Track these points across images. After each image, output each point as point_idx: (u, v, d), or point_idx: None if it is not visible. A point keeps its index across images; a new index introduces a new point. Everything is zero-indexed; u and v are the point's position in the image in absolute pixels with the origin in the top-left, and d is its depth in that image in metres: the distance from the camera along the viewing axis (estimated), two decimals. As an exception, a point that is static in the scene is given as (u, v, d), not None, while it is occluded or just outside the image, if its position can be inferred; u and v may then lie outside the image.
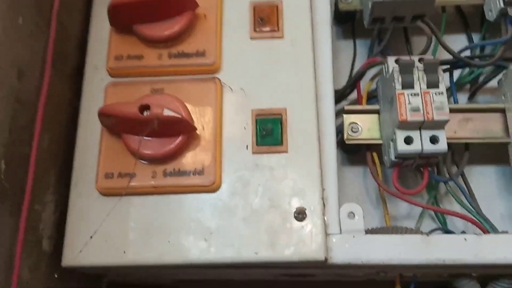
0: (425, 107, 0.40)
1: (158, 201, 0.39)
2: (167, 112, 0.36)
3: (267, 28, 0.43)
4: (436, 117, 0.39)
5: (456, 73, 0.50)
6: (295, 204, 0.39)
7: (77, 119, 0.42)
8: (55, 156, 0.41)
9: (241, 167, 0.39)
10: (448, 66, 0.48)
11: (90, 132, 0.41)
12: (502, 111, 0.46)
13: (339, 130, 0.47)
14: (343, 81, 0.52)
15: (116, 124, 0.38)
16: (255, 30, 0.43)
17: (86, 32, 0.45)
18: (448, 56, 0.47)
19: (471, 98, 0.51)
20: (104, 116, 0.38)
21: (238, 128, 0.41)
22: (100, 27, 0.44)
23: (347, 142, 0.46)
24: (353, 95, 0.51)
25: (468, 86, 0.52)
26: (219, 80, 0.42)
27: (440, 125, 0.40)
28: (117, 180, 0.39)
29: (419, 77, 0.41)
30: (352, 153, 0.51)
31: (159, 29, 0.41)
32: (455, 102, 0.49)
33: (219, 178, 0.39)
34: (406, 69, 0.41)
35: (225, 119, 0.41)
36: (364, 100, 0.48)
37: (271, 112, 0.41)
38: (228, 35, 0.43)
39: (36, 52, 0.38)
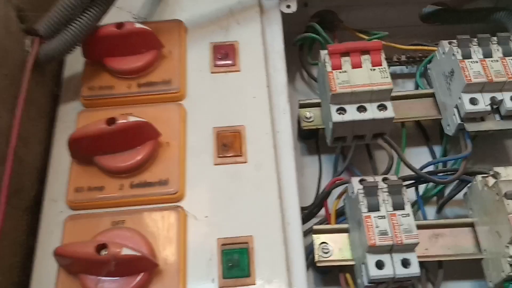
0: (393, 230, 0.39)
1: None
2: (125, 251, 0.34)
3: (231, 154, 0.43)
4: (405, 241, 0.39)
5: (422, 186, 0.51)
6: None
7: (32, 258, 0.39)
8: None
9: (207, 304, 0.37)
10: (413, 181, 0.48)
11: (45, 273, 0.38)
12: (471, 225, 0.46)
13: (310, 250, 0.46)
14: (310, 197, 0.52)
15: (72, 264, 0.36)
16: (218, 156, 0.43)
17: (47, 164, 0.44)
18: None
19: (439, 211, 0.51)
20: (60, 256, 0.36)
21: (204, 260, 0.39)
22: (60, 158, 0.43)
23: (318, 264, 0.44)
24: (322, 211, 0.50)
25: (435, 198, 0.52)
26: (182, 208, 0.41)
27: (410, 248, 0.40)
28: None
29: (384, 199, 0.41)
30: (324, 273, 0.49)
31: (121, 159, 0.41)
32: (423, 217, 0.48)
33: (183, 319, 0.36)
34: (370, 192, 0.41)
35: (189, 251, 0.39)
36: (333, 219, 0.47)
37: (237, 241, 0.39)
38: (191, 162, 0.43)
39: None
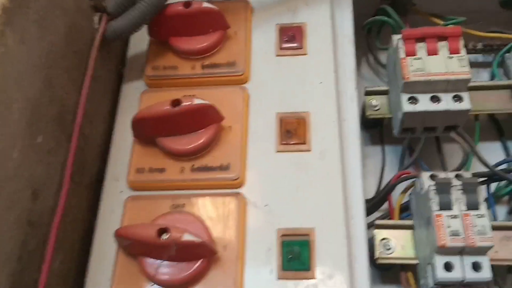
0: (465, 231, 0.37)
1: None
2: (186, 237, 0.33)
3: (294, 141, 0.42)
4: (479, 243, 0.36)
5: (493, 184, 0.48)
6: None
7: (92, 235, 0.40)
8: (66, 278, 0.38)
9: (265, 295, 0.36)
10: (485, 179, 0.45)
11: (105, 252, 0.38)
12: (548, 229, 0.43)
13: (370, 245, 0.44)
14: (371, 189, 0.50)
15: (132, 246, 0.36)
16: (281, 143, 0.42)
17: (109, 142, 0.44)
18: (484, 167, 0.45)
19: (511, 212, 0.47)
20: (120, 237, 0.36)
21: (263, 250, 0.38)
22: (123, 138, 0.43)
23: (379, 262, 0.43)
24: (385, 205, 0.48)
25: (507, 198, 0.49)
26: (242, 195, 0.40)
27: (483, 251, 0.37)
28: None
29: (457, 197, 0.38)
30: (384, 269, 0.47)
31: (184, 142, 0.40)
32: (494, 218, 0.45)
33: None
34: (443, 189, 0.38)
35: (248, 240, 0.38)
36: (396, 214, 0.45)
37: (298, 233, 0.38)
38: (253, 148, 0.42)
39: (54, 168, 0.36)
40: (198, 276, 0.36)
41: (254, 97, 0.44)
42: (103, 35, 0.41)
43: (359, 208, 0.40)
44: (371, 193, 0.49)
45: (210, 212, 0.39)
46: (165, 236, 0.34)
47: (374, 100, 0.50)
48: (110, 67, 0.46)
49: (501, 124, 0.53)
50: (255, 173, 0.41)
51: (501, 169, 0.45)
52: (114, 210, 0.40)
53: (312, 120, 0.42)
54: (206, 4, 0.43)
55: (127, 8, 0.41)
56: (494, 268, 0.42)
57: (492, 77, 0.54)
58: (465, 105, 0.43)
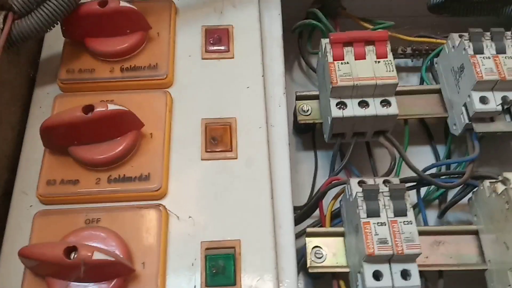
0: (393, 238, 0.36)
1: None
2: (97, 255, 0.31)
3: (220, 148, 0.40)
4: (406, 251, 0.36)
5: (423, 188, 0.48)
6: None
7: (-2, 254, 0.36)
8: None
9: (187, 314, 0.34)
10: (415, 183, 0.45)
11: (12, 272, 0.35)
12: (475, 232, 0.43)
13: (302, 254, 0.43)
14: (304, 196, 0.49)
15: (39, 266, 0.33)
16: (206, 151, 0.39)
17: (19, 152, 0.40)
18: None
19: (440, 216, 0.48)
20: (25, 258, 0.32)
21: (186, 265, 0.35)
22: (34, 147, 0.39)
23: (310, 270, 0.41)
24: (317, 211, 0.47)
25: (437, 201, 0.49)
26: (164, 207, 0.37)
27: (411, 258, 0.36)
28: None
29: (385, 204, 0.37)
30: (317, 278, 0.46)
31: (99, 151, 0.37)
32: (424, 222, 0.45)
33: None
34: (370, 196, 0.37)
35: (170, 255, 0.36)
36: (327, 221, 0.44)
37: (223, 245, 0.36)
38: (176, 156, 0.39)
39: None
40: (113, 297, 0.33)
41: (178, 102, 0.42)
42: (9, 36, 0.38)
43: (287, 217, 0.39)
44: (304, 200, 0.48)
45: (128, 226, 0.36)
46: (73, 255, 0.31)
47: (305, 105, 0.48)
48: (20, 71, 0.42)
49: (430, 129, 0.53)
50: (178, 183, 0.38)
51: (430, 174, 0.45)
52: (22, 227, 0.37)
53: (238, 126, 0.41)
54: (123, 3, 0.40)
55: (36, 6, 0.38)
56: (425, 273, 0.42)
57: (421, 82, 0.54)
58: (392, 110, 0.42)
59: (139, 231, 0.36)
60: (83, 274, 0.30)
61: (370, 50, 0.42)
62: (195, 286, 0.35)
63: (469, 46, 0.44)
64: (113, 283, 0.33)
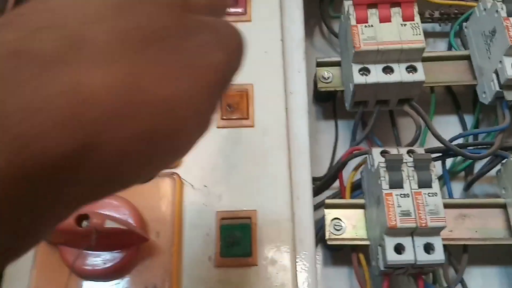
0: (417, 211, 0.34)
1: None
2: (108, 224, 0.30)
3: (236, 116, 0.38)
4: (430, 224, 0.34)
5: (449, 160, 0.46)
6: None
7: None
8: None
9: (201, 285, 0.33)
10: (440, 154, 0.43)
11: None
12: (503, 206, 0.41)
13: (320, 225, 0.42)
14: (324, 167, 0.47)
15: (51, 234, 0.32)
16: (222, 118, 0.38)
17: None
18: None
19: (466, 189, 0.46)
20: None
21: (200, 235, 0.34)
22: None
23: (329, 242, 0.40)
24: (336, 183, 0.46)
25: (463, 173, 0.47)
26: (179, 175, 0.36)
27: (435, 231, 0.35)
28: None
29: (409, 175, 0.36)
30: (336, 250, 0.45)
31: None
32: (449, 195, 0.43)
33: (175, 300, 0.32)
34: (393, 166, 0.36)
35: (185, 224, 0.35)
36: (347, 193, 0.42)
37: (239, 216, 0.35)
38: (191, 123, 0.38)
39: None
40: (126, 266, 0.32)
41: (193, 68, 0.40)
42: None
43: (306, 188, 0.37)
44: (324, 170, 0.46)
45: (142, 195, 0.35)
46: (85, 223, 0.30)
47: (326, 72, 0.46)
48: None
49: (457, 97, 0.50)
50: (193, 151, 0.37)
51: (456, 144, 0.43)
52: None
53: (255, 93, 0.39)
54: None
55: None
56: (448, 248, 0.41)
57: (450, 47, 0.51)
58: (419, 76, 0.40)
59: (153, 200, 0.35)
60: (95, 242, 0.30)
61: (396, 12, 0.40)
62: (210, 257, 0.34)
63: (502, 8, 0.41)
64: (126, 252, 0.32)
